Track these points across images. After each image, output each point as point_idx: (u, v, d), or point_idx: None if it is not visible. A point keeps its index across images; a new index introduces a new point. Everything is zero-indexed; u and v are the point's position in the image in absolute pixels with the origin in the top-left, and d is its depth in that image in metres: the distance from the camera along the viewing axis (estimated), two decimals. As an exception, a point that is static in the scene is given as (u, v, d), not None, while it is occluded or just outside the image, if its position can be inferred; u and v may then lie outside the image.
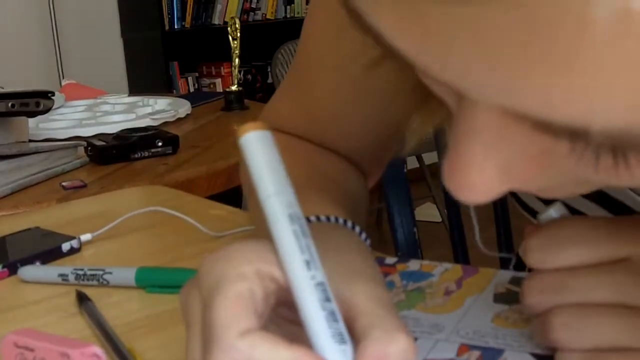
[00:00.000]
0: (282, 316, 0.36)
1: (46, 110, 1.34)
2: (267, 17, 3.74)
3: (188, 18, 3.47)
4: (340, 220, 0.44)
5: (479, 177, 0.27)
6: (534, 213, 0.41)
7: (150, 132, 1.39)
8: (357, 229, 0.44)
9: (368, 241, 0.44)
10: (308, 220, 0.43)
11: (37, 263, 0.66)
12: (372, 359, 0.32)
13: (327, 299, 0.33)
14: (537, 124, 0.24)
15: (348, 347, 0.33)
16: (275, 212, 0.34)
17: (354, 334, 0.33)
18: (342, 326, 0.33)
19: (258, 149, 0.34)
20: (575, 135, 0.24)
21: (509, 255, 0.52)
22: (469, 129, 0.27)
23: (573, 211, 0.47)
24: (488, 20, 0.21)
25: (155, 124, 1.56)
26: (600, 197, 0.47)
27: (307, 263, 0.33)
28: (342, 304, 0.34)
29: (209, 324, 0.33)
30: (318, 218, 0.44)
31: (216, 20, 3.56)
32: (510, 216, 1.11)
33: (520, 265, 0.55)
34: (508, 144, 0.27)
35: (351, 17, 0.26)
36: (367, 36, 0.26)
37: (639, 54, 0.20)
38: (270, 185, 0.34)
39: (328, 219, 0.44)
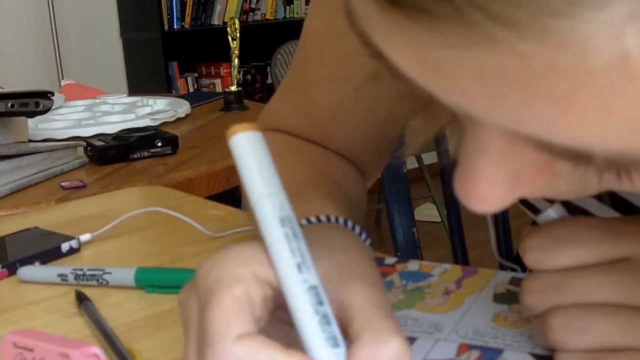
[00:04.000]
0: (281, 319, 0.36)
1: (45, 111, 1.34)
2: (267, 17, 3.74)
3: (187, 18, 3.47)
4: (341, 220, 0.44)
5: (488, 189, 0.29)
6: (535, 210, 0.41)
7: (149, 133, 1.38)
8: (358, 229, 0.44)
9: (368, 241, 0.44)
10: (308, 220, 0.43)
11: (37, 263, 0.65)
12: None
13: (320, 302, 0.33)
14: (540, 146, 0.26)
15: (341, 350, 0.32)
16: (266, 215, 0.34)
17: (348, 337, 0.33)
18: (335, 329, 0.33)
19: (248, 151, 0.34)
20: (577, 158, 0.25)
21: (514, 266, 0.52)
22: (477, 146, 0.28)
23: (579, 209, 0.47)
24: (490, 63, 0.22)
25: (154, 124, 1.56)
26: (608, 196, 0.47)
27: (299, 266, 0.33)
28: (338, 306, 0.34)
29: (204, 328, 0.33)
30: (318, 218, 0.44)
31: (215, 21, 3.56)
32: (509, 217, 1.11)
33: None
34: (515, 159, 0.28)
35: (359, 39, 0.27)
36: (374, 59, 0.27)
37: (636, 92, 0.21)
38: (260, 187, 0.34)
39: (328, 219, 0.44)
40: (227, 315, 0.32)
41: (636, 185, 0.28)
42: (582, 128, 0.23)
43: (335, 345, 0.32)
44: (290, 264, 0.33)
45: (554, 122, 0.23)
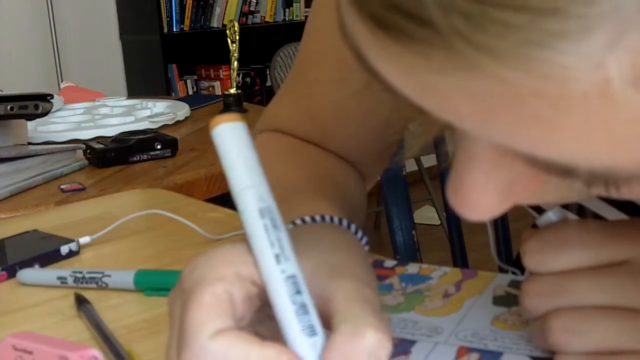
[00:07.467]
0: (269, 316, 0.36)
1: (45, 113, 1.34)
2: (266, 20, 3.74)
3: (187, 21, 3.47)
4: (335, 220, 0.44)
5: (480, 198, 0.29)
6: (539, 210, 0.41)
7: (149, 135, 1.38)
8: (353, 227, 0.44)
9: (365, 239, 0.44)
10: (303, 220, 0.44)
11: (36, 266, 0.65)
12: (338, 353, 0.32)
13: (298, 292, 0.33)
14: (528, 160, 0.26)
15: (318, 339, 0.33)
16: (246, 207, 0.34)
17: (332, 332, 0.33)
18: (313, 318, 0.33)
19: (230, 142, 0.34)
20: (564, 172, 0.26)
21: (514, 269, 0.52)
22: (469, 157, 0.29)
23: (582, 209, 0.47)
24: (476, 87, 0.23)
25: (154, 126, 1.56)
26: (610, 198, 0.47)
27: (277, 257, 0.33)
28: (323, 302, 0.34)
29: (183, 326, 0.33)
30: (313, 218, 0.44)
31: (215, 23, 3.56)
32: (509, 220, 1.11)
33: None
34: (506, 169, 0.28)
35: (353, 54, 0.27)
36: (368, 73, 0.27)
37: (617, 114, 0.22)
38: (241, 179, 0.34)
39: (323, 218, 0.44)
40: (205, 314, 0.33)
41: (624, 195, 0.28)
42: (567, 147, 0.24)
43: (312, 334, 0.33)
44: (269, 255, 0.33)
45: (540, 141, 0.24)
